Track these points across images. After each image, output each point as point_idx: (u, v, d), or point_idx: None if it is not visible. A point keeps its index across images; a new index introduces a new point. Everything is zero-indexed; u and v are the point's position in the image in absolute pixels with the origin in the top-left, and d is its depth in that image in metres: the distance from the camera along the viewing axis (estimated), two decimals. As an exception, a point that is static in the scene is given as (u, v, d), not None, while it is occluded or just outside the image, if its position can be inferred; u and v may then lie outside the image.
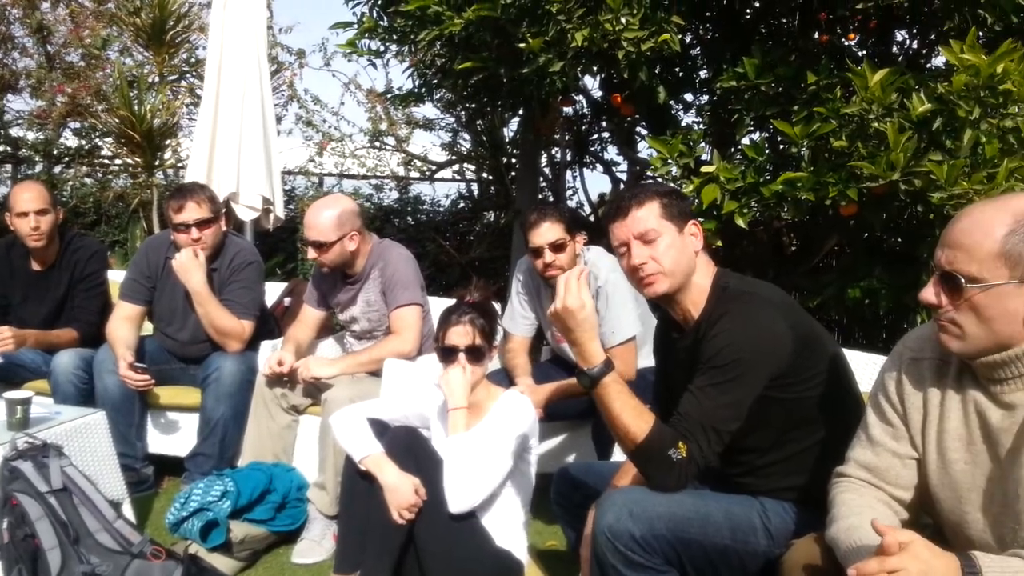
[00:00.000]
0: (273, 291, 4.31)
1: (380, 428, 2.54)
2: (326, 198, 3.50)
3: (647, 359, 3.35)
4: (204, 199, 3.49)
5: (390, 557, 2.36)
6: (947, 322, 1.54)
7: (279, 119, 7.29)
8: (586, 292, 1.96)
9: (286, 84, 7.66)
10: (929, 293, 1.55)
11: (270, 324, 3.89)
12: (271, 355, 3.32)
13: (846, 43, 4.03)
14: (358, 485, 2.44)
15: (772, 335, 1.94)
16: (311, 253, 3.35)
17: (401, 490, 2.36)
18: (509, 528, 2.47)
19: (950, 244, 1.52)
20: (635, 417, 1.94)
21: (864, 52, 4.05)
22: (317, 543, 2.98)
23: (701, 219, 3.05)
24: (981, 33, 3.32)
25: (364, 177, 8.00)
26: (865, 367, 2.77)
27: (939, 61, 3.99)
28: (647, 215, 2.05)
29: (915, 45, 4.28)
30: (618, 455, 2.91)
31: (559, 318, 1.96)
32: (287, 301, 4.29)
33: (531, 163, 5.64)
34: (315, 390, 3.32)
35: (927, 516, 1.76)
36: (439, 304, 3.70)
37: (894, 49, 4.29)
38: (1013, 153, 2.89)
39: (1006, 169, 2.80)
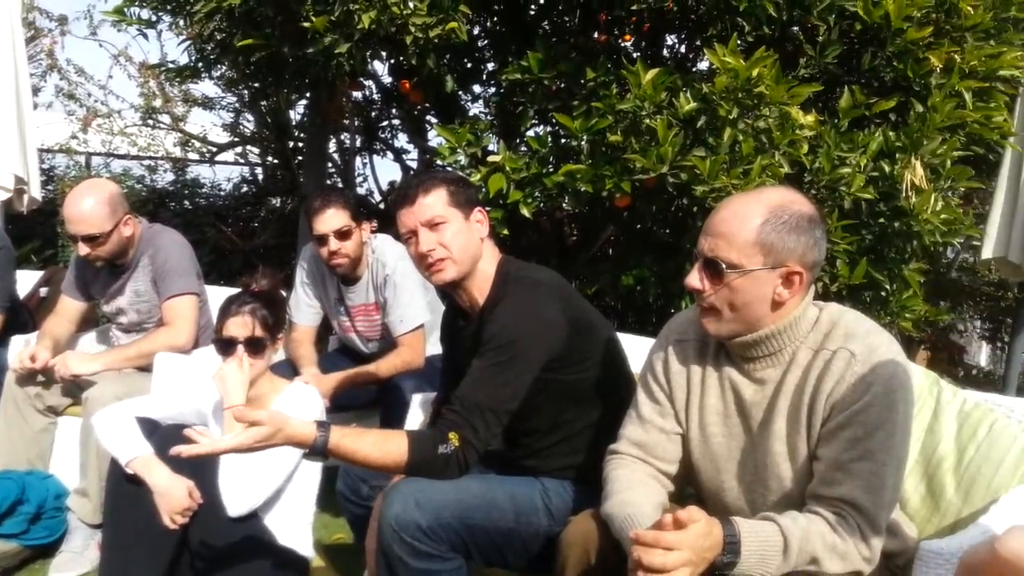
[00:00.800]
0: (27, 280, 3.90)
1: (150, 428, 2.37)
2: (84, 185, 3.18)
3: (436, 346, 3.37)
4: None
5: (160, 566, 2.22)
6: (707, 306, 1.66)
7: (36, 91, 6.60)
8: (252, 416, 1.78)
9: (45, 52, 6.94)
10: (693, 279, 1.66)
11: (22, 317, 3.52)
12: (23, 350, 3.00)
13: (622, 44, 4.24)
14: (124, 489, 2.25)
15: (548, 318, 2.00)
16: (82, 249, 3.01)
17: (173, 493, 2.21)
18: (293, 525, 2.39)
19: (712, 233, 1.63)
20: (385, 448, 1.89)
21: (638, 53, 4.28)
22: (79, 555, 2.74)
23: (488, 208, 3.10)
24: (740, 41, 3.60)
25: (136, 157, 7.42)
26: (638, 349, 2.92)
27: (703, 66, 4.30)
28: (434, 202, 2.05)
29: (683, 49, 4.57)
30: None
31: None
32: (43, 291, 3.89)
33: (319, 148, 5.47)
34: (76, 388, 3.03)
35: (690, 487, 1.90)
36: (219, 294, 3.51)
37: (665, 52, 4.56)
38: (765, 151, 3.16)
39: (759, 166, 3.06)
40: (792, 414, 1.63)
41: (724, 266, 1.61)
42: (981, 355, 7.06)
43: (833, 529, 1.51)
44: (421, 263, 2.09)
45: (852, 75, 3.87)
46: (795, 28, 3.78)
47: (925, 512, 1.87)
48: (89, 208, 2.99)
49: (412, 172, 6.53)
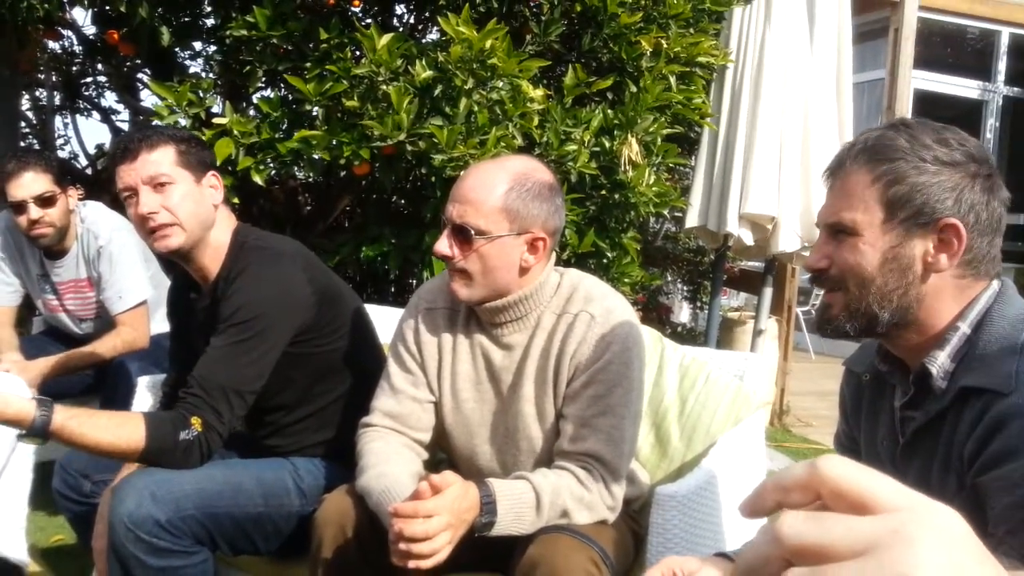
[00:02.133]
0: None
1: None
2: None
3: (162, 324, 3.11)
4: None
5: None
6: (458, 272, 1.68)
7: None
8: None
9: None
10: (443, 245, 1.67)
11: None
12: None
13: (352, 9, 4.14)
14: None
15: (293, 289, 1.92)
16: None
17: None
18: (3, 531, 2.11)
19: (460, 200, 1.65)
20: (119, 432, 1.72)
21: (369, 21, 4.20)
22: None
23: (216, 174, 2.91)
24: (472, 12, 3.66)
25: None
26: (381, 320, 2.91)
27: (432, 37, 4.32)
28: (160, 159, 1.88)
29: (412, 20, 4.56)
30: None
31: None
32: None
33: (9, 105, 4.80)
34: None
35: (442, 452, 1.93)
36: None
37: (394, 21, 4.52)
38: (499, 122, 3.26)
39: (495, 136, 3.14)
40: (539, 376, 1.70)
41: (473, 232, 1.63)
42: (683, 314, 7.88)
43: (580, 482, 1.61)
44: (142, 227, 1.89)
45: (573, 55, 4.10)
46: (520, 5, 3.92)
47: (655, 459, 2.05)
48: None
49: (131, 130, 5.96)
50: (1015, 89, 8.69)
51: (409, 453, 1.76)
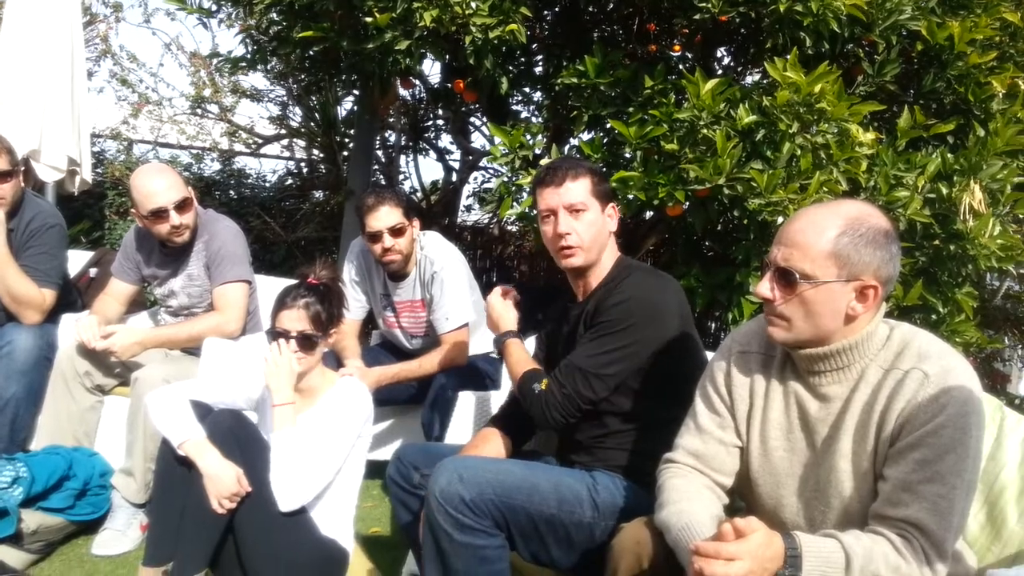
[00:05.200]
0: (77, 260, 3.96)
1: (202, 411, 2.38)
2: (148, 166, 3.22)
3: (479, 346, 3.37)
4: (1, 149, 3.12)
5: (207, 548, 2.22)
6: (777, 316, 1.64)
7: (89, 75, 6.70)
8: None
9: (100, 38, 7.03)
10: (764, 288, 1.64)
11: (72, 295, 3.56)
12: (79, 321, 3.02)
13: (672, 55, 4.21)
14: (175, 471, 2.27)
15: (666, 301, 2.10)
16: (174, 219, 3.02)
17: (223, 478, 2.22)
18: (336, 516, 2.39)
19: (786, 242, 1.61)
20: (522, 366, 2.21)
21: (685, 65, 4.25)
22: (121, 533, 2.77)
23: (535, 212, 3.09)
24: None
25: (183, 147, 7.47)
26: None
27: (749, 80, 4.26)
28: (580, 188, 2.16)
29: (731, 62, 4.53)
30: (449, 439, 2.92)
31: None
32: (93, 272, 3.95)
33: (367, 144, 5.50)
34: (124, 369, 3.07)
35: (741, 500, 1.87)
36: (264, 283, 3.55)
37: (715, 64, 4.52)
38: (823, 167, 3.13)
39: (817, 181, 3.02)
40: (859, 432, 1.60)
41: (797, 276, 1.58)
42: (1022, 385, 6.93)
43: (897, 551, 1.48)
44: (553, 244, 2.19)
45: (909, 95, 3.82)
46: (851, 45, 3.74)
47: (985, 540, 1.83)
48: (168, 178, 3.06)
49: (455, 172, 6.56)
50: None
51: (710, 495, 1.74)
